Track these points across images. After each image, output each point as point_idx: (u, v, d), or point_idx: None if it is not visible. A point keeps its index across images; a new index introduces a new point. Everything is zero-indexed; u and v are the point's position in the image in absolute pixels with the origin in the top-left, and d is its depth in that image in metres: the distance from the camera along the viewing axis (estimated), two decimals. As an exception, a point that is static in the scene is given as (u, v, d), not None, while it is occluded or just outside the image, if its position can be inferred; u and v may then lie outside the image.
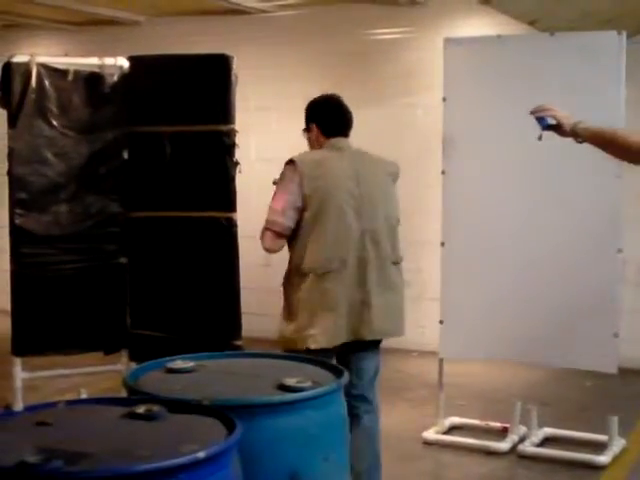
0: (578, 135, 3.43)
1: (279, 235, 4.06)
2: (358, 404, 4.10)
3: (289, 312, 4.12)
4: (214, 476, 2.26)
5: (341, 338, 4.05)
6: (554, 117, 3.46)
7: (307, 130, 4.32)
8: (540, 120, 3.49)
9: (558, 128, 3.46)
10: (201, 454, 2.20)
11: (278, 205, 4.05)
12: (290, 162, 4.10)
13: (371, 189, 4.22)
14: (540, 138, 3.52)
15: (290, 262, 4.14)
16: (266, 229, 4.06)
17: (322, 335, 3.99)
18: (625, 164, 3.45)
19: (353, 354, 4.13)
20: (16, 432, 2.45)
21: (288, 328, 4.09)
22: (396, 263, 4.26)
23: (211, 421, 2.51)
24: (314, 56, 8.43)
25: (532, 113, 3.54)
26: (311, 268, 4.03)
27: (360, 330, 4.08)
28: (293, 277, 4.11)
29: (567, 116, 3.45)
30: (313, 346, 3.96)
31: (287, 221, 4.04)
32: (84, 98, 5.74)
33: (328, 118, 4.31)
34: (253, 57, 8.01)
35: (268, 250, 4.11)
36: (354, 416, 3.86)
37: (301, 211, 4.05)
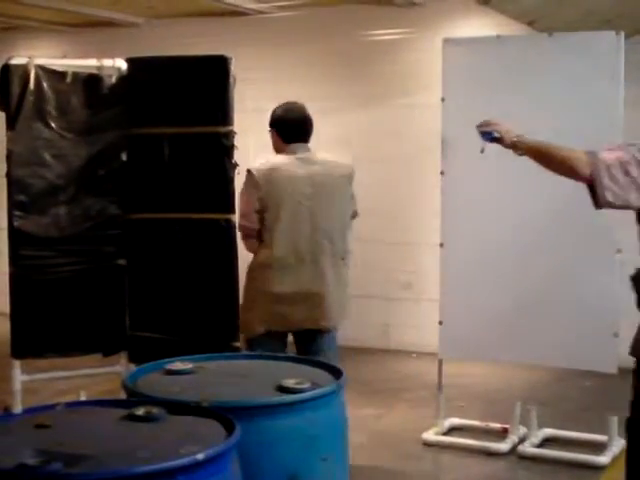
0: (517, 148, 3.73)
1: (248, 236, 4.69)
2: None
3: (245, 301, 4.73)
4: (213, 477, 2.26)
5: (293, 326, 4.58)
6: (498, 131, 3.78)
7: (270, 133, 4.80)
8: (484, 134, 3.84)
9: (501, 141, 3.77)
10: (200, 456, 2.21)
11: (241, 211, 4.73)
12: (248, 171, 4.65)
13: (325, 190, 4.62)
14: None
15: (254, 257, 4.68)
16: (239, 233, 4.81)
17: (261, 323, 4.57)
18: None
19: (310, 342, 4.62)
20: (15, 434, 2.45)
21: (244, 316, 4.76)
22: (343, 259, 4.70)
23: (210, 423, 2.52)
24: (312, 57, 8.43)
25: (477, 127, 3.88)
26: (269, 264, 4.57)
27: (318, 320, 4.57)
28: (253, 270, 4.69)
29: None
30: (257, 332, 4.58)
31: (251, 224, 4.61)
32: (82, 100, 5.72)
33: (286, 126, 4.76)
34: (251, 58, 8.01)
35: (248, 251, 4.74)
36: None
37: (262, 213, 4.55)
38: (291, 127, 4.75)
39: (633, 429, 3.53)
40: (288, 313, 4.56)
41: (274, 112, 4.86)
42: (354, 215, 4.89)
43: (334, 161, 4.80)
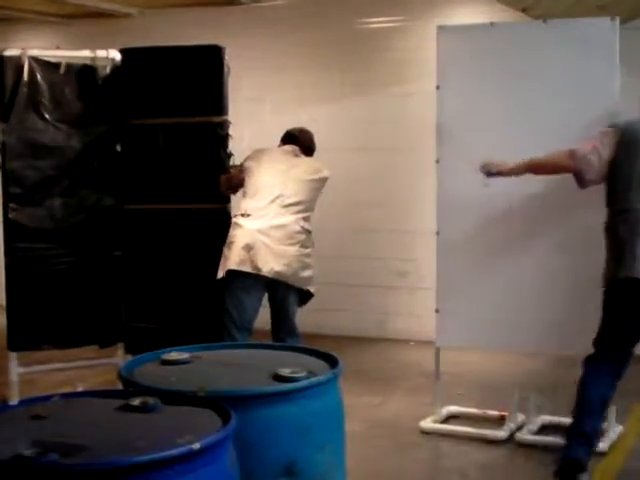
0: (515, 173, 4.82)
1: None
2: None
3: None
4: (210, 467, 2.26)
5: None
6: (496, 168, 4.84)
7: None
8: (487, 173, 4.88)
9: (501, 174, 4.84)
10: (196, 445, 2.20)
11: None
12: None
13: (294, 174, 5.44)
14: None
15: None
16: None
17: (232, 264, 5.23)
18: None
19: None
20: (11, 426, 2.45)
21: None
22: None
23: (206, 412, 2.51)
24: (308, 46, 8.40)
25: (480, 169, 4.88)
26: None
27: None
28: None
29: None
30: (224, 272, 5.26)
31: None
32: (76, 91, 5.72)
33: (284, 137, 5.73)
34: (246, 48, 7.99)
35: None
36: None
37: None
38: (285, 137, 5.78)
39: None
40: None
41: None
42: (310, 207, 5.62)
43: (310, 159, 5.70)
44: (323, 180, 5.54)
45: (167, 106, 5.73)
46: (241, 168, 5.52)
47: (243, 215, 5.31)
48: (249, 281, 5.26)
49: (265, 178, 5.40)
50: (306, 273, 5.40)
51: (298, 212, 5.38)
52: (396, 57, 8.12)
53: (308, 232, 5.42)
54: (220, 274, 5.26)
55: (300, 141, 5.63)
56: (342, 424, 3.08)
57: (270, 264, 5.22)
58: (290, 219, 5.33)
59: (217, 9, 8.65)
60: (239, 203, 5.45)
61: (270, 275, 5.23)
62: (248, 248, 5.19)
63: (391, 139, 8.15)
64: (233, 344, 4.17)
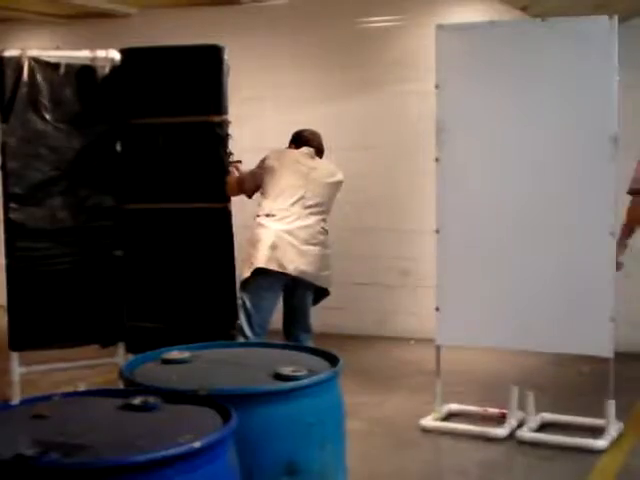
0: (626, 247, 5.39)
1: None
2: None
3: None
4: (210, 465, 2.27)
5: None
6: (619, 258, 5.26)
7: None
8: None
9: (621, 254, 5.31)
10: (197, 444, 2.21)
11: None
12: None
13: (314, 176, 5.54)
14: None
15: None
16: None
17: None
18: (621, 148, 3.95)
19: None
20: (13, 425, 2.46)
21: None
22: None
23: (207, 411, 2.52)
24: (307, 45, 8.40)
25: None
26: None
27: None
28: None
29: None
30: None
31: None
32: (76, 91, 5.72)
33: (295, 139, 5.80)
34: (245, 47, 7.99)
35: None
36: None
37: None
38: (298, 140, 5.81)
39: None
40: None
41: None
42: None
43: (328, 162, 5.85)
44: (339, 183, 5.69)
45: (167, 106, 5.73)
46: (260, 167, 5.55)
47: (268, 215, 5.41)
48: (271, 280, 5.37)
49: (288, 179, 5.49)
50: (326, 272, 5.56)
51: (319, 213, 5.52)
52: (395, 56, 8.12)
53: (327, 233, 5.58)
54: (247, 273, 5.33)
55: (313, 143, 5.69)
56: (342, 422, 3.09)
57: (295, 263, 5.34)
58: (312, 220, 5.47)
59: (217, 9, 8.65)
60: (261, 203, 5.51)
61: (295, 274, 5.35)
62: (274, 247, 5.31)
63: (391, 138, 8.16)
64: (233, 343, 4.18)
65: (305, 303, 5.61)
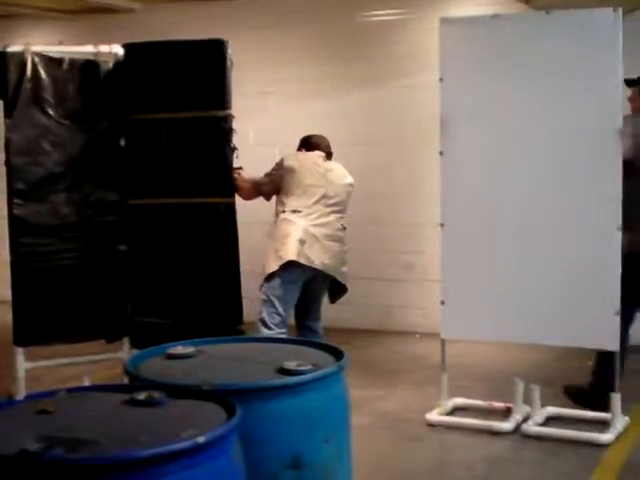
0: None
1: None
2: None
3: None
4: (215, 460, 2.27)
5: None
6: None
7: None
8: None
9: None
10: (201, 439, 2.21)
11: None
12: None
13: (331, 177, 5.80)
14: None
15: None
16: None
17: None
18: None
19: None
20: (17, 421, 2.46)
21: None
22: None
23: (211, 406, 2.52)
24: (310, 39, 8.39)
25: None
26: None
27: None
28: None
29: None
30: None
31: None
32: (80, 87, 5.71)
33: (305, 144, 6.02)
34: (249, 41, 7.99)
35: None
36: None
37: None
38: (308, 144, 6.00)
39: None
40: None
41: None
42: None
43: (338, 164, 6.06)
44: (351, 185, 5.94)
45: (171, 101, 5.72)
46: (279, 169, 5.78)
47: (294, 212, 5.67)
48: (297, 274, 5.60)
49: (310, 179, 5.73)
50: (345, 268, 5.84)
51: (338, 212, 5.82)
52: (399, 50, 8.11)
53: (345, 230, 5.84)
54: (274, 267, 5.54)
55: (323, 147, 5.93)
56: (348, 417, 3.08)
57: (321, 257, 5.62)
58: (332, 218, 5.77)
59: (220, 3, 8.64)
60: (284, 200, 5.71)
61: (320, 267, 5.61)
62: (302, 242, 5.57)
63: (394, 132, 8.15)
64: (238, 337, 4.17)
65: (321, 294, 5.92)
